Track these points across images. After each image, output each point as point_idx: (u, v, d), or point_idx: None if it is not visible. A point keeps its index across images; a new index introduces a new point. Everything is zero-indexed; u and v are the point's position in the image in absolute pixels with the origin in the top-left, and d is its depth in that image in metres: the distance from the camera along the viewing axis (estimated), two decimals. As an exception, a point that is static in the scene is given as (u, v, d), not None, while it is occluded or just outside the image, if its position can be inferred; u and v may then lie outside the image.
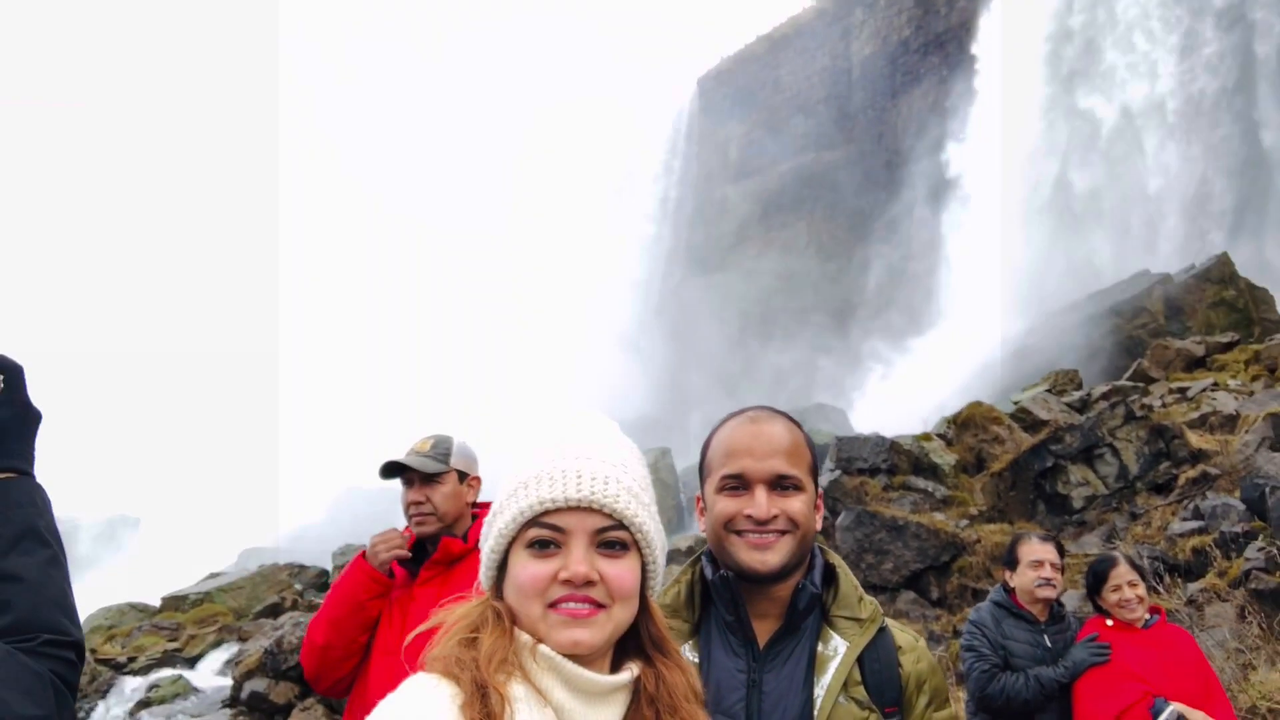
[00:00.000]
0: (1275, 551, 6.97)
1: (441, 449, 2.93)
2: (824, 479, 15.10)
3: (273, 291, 72.35)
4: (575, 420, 1.34)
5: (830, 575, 1.69)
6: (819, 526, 1.65)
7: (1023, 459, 11.84)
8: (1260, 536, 7.39)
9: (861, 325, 38.62)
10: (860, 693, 1.58)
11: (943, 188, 37.21)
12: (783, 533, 1.58)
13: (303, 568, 18.73)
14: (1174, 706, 3.27)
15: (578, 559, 1.20)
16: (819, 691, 1.57)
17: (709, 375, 42.45)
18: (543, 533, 1.22)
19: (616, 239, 53.09)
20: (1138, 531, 9.82)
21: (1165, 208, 29.81)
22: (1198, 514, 8.62)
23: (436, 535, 2.87)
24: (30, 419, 1.51)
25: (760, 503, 1.57)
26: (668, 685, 1.26)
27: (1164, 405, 13.29)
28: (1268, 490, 7.40)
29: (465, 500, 2.95)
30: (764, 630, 1.62)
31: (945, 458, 12.39)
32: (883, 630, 1.66)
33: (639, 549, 1.26)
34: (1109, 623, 3.75)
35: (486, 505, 3.03)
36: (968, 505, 11.33)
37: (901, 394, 28.67)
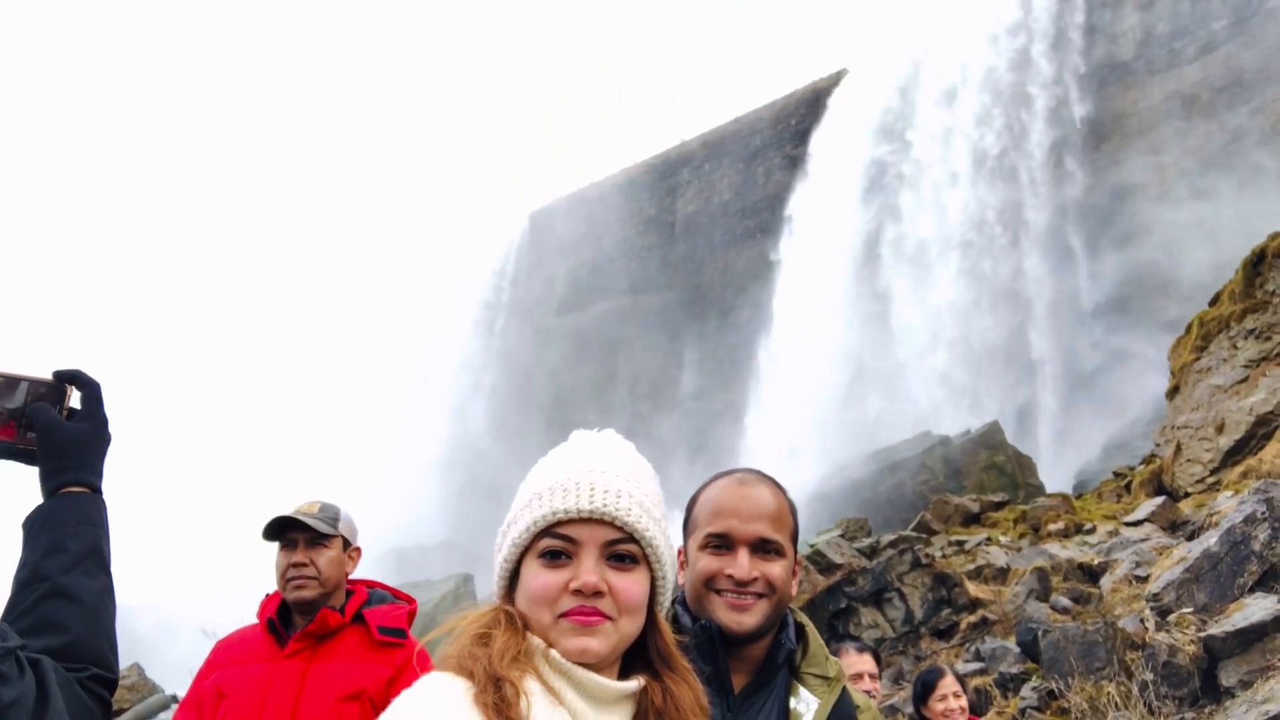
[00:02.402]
0: (1046, 691, 7.60)
1: (330, 513, 2.81)
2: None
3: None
4: (591, 438, 1.37)
5: (800, 634, 1.74)
6: (794, 592, 1.70)
7: (819, 599, 12.36)
8: (1034, 677, 8.06)
9: (674, 464, 39.60)
10: None
11: (753, 337, 39.60)
12: (760, 595, 1.62)
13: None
14: None
15: (587, 569, 1.21)
16: None
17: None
18: (555, 543, 1.23)
19: (435, 358, 52.46)
20: (924, 673, 10.40)
21: (944, 377, 33.00)
22: (978, 656, 9.26)
23: (313, 604, 2.70)
24: (105, 437, 1.50)
25: (742, 564, 1.62)
26: (675, 699, 1.26)
27: (944, 555, 14.31)
28: (1040, 634, 8.13)
29: (345, 570, 2.81)
30: (735, 684, 1.64)
31: (749, 595, 12.71)
32: (843, 689, 1.72)
33: (649, 564, 1.28)
34: (932, 732, 3.99)
35: (361, 582, 2.89)
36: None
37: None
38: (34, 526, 1.39)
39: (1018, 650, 8.61)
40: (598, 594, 1.21)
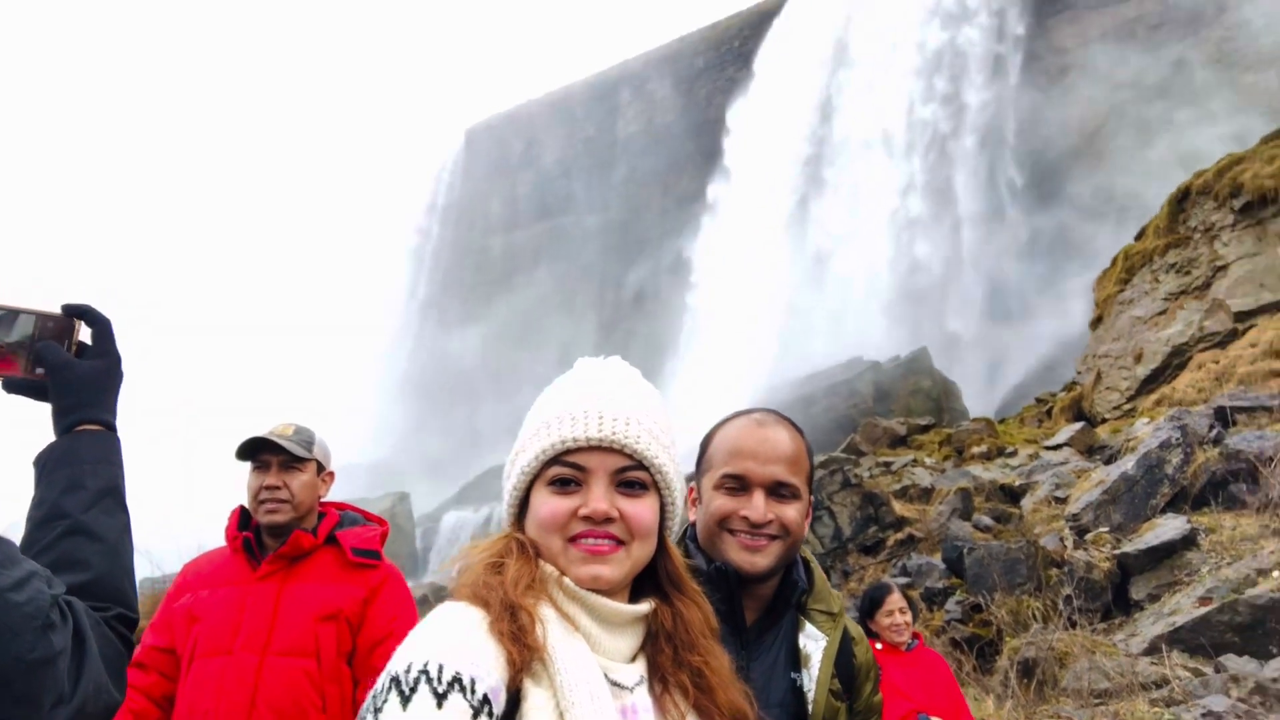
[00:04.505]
0: (970, 605, 8.01)
1: (305, 436, 2.76)
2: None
3: None
4: (599, 364, 1.36)
5: (806, 571, 1.76)
6: (806, 534, 1.71)
7: (754, 519, 12.71)
8: (958, 591, 8.47)
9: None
10: (835, 684, 1.68)
11: (684, 267, 39.64)
12: (774, 538, 1.63)
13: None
14: None
15: (598, 496, 1.22)
16: (808, 684, 1.65)
17: (452, 426, 41.81)
18: (564, 470, 1.23)
19: (376, 279, 51.59)
20: (852, 587, 10.84)
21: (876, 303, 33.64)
22: (905, 571, 9.67)
23: (285, 527, 2.66)
24: (119, 374, 1.45)
25: (758, 506, 1.62)
26: (685, 621, 1.28)
27: (872, 476, 14.79)
28: (965, 551, 8.52)
29: (318, 494, 2.77)
30: (746, 621, 1.67)
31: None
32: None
33: (658, 489, 1.28)
34: (878, 645, 4.19)
35: (333, 504, 2.85)
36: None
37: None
38: (49, 464, 1.34)
39: (943, 566, 9.01)
40: (608, 520, 1.22)
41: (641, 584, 1.30)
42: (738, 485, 1.65)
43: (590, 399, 1.27)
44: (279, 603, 2.57)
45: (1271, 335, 12.07)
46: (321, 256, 52.99)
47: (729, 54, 43.66)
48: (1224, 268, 13.95)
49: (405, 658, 1.06)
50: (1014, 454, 14.55)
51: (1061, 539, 8.25)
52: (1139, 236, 16.97)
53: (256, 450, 2.71)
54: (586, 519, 1.21)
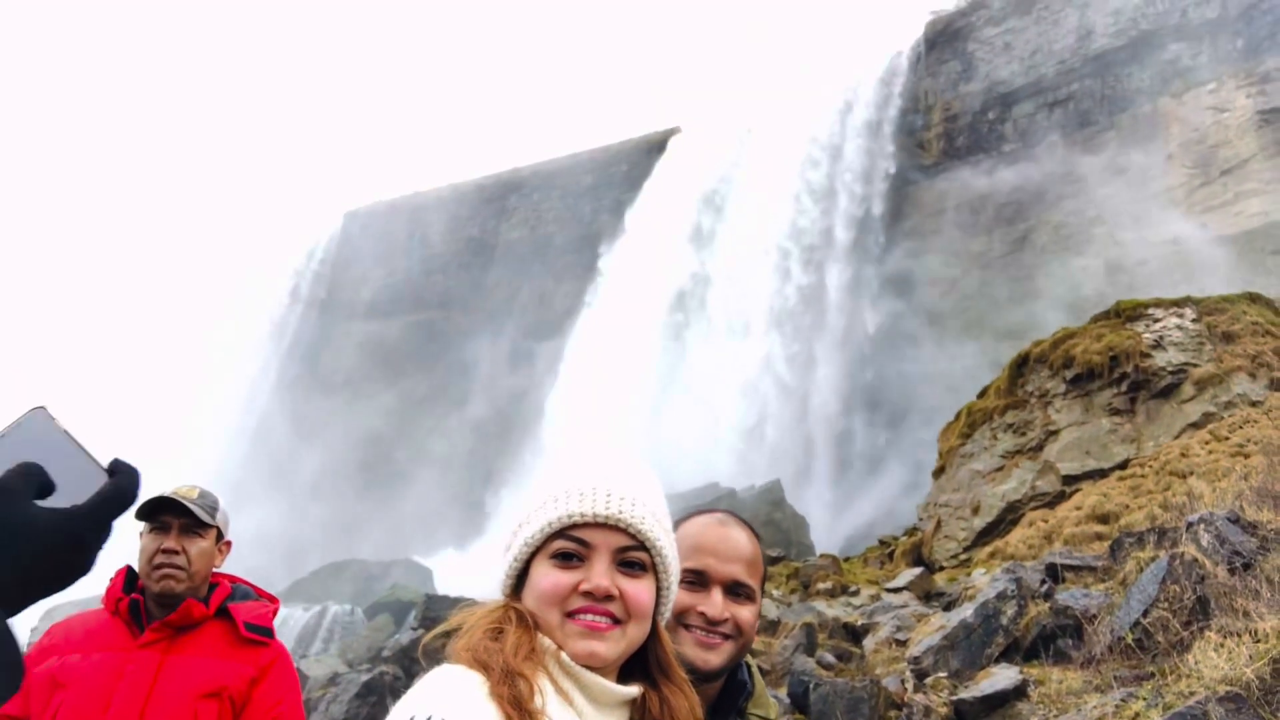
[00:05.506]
0: (812, 742, 7.99)
1: (209, 501, 2.55)
2: (406, 637, 14.45)
3: None
4: (604, 447, 1.39)
5: (748, 674, 1.77)
6: (754, 638, 1.73)
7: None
8: (801, 728, 8.44)
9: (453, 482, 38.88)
10: None
11: (555, 371, 39.81)
12: (727, 637, 1.64)
13: None
14: None
15: (600, 573, 1.23)
16: None
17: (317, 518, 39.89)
18: (568, 545, 1.25)
19: (237, 345, 49.45)
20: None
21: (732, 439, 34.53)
22: (750, 705, 9.60)
23: (178, 598, 2.42)
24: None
25: (716, 603, 1.63)
26: (671, 708, 1.28)
27: (722, 606, 14.82)
28: (811, 686, 8.55)
29: (214, 564, 2.56)
30: None
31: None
32: None
33: (656, 573, 1.30)
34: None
35: (225, 575, 2.63)
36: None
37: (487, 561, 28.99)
38: None
39: (788, 701, 9.00)
40: (609, 597, 1.23)
41: (629, 668, 1.30)
42: (697, 581, 1.65)
43: (598, 477, 1.29)
44: (159, 674, 2.33)
45: (1094, 500, 13.03)
46: (193, 324, 50.67)
47: (617, 176, 45.26)
48: (1055, 433, 15.09)
49: (407, 711, 1.07)
50: (857, 593, 14.93)
51: (903, 681, 8.41)
52: (981, 395, 18.22)
53: (156, 510, 2.48)
54: (587, 595, 1.23)
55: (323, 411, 46.51)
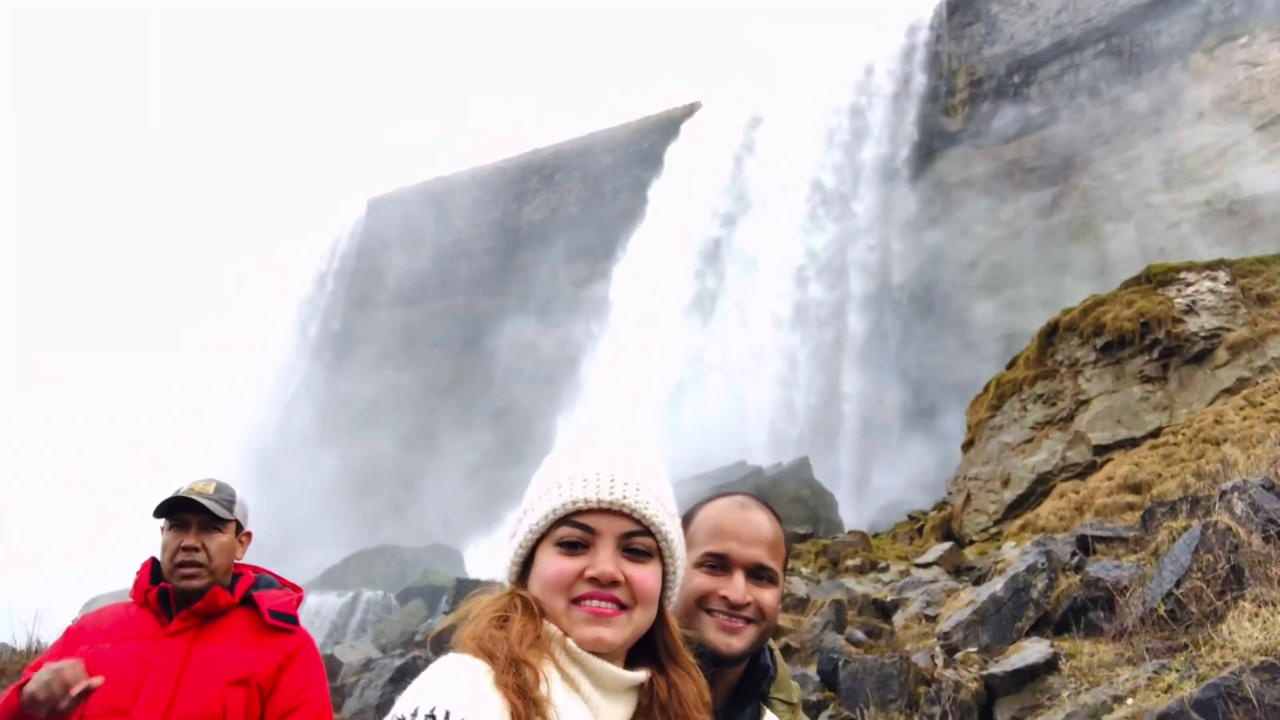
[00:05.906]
0: (842, 718, 7.97)
1: (226, 495, 2.58)
2: (439, 622, 14.58)
3: None
4: (610, 432, 1.42)
5: (770, 658, 1.75)
6: (777, 621, 1.71)
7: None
8: (830, 705, 8.42)
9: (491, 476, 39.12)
10: None
11: (581, 357, 39.82)
12: (750, 621, 1.62)
13: None
14: None
15: (605, 559, 1.24)
16: None
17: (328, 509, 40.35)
18: (573, 532, 1.25)
19: (261, 344, 49.97)
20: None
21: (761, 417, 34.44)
22: (779, 682, 9.59)
23: (201, 594, 2.47)
24: None
25: (738, 587, 1.61)
26: (679, 693, 1.28)
27: (750, 584, 14.81)
28: (841, 664, 8.52)
29: (235, 556, 2.60)
30: None
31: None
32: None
33: (662, 557, 1.30)
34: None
35: (248, 566, 2.67)
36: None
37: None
38: None
39: (817, 679, 8.98)
40: (614, 583, 1.24)
41: (637, 653, 1.30)
42: (719, 564, 1.63)
43: (602, 462, 1.29)
44: (188, 662, 2.38)
45: (1126, 470, 12.83)
46: (217, 319, 51.33)
47: (637, 154, 45.01)
48: (1086, 402, 14.86)
49: (411, 702, 1.08)
50: (886, 569, 14.85)
51: (932, 656, 8.35)
52: (1010, 366, 17.97)
53: (175, 508, 2.53)
54: (592, 581, 1.23)
55: (350, 399, 46.95)
